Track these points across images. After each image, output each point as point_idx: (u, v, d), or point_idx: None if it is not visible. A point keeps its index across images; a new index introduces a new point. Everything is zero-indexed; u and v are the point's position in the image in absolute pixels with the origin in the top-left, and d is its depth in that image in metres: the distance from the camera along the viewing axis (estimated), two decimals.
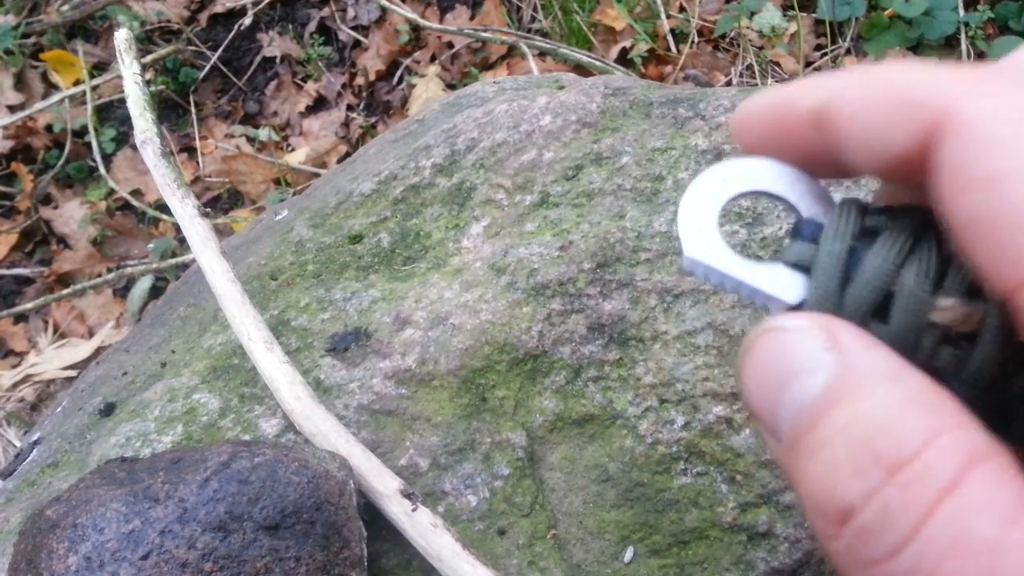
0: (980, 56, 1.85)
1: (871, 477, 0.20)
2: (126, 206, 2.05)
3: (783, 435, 0.23)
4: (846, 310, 0.25)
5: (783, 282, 0.26)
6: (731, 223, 0.73)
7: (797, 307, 0.26)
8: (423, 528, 0.60)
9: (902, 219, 0.25)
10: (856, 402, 0.22)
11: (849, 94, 0.25)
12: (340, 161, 2.00)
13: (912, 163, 0.23)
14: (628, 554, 0.63)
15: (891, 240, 0.25)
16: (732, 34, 1.97)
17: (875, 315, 0.24)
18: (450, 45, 2.14)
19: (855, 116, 0.24)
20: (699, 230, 0.27)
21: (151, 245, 1.94)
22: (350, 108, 2.14)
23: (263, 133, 2.11)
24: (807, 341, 0.23)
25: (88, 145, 2.09)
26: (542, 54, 1.97)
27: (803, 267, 0.26)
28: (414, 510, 0.61)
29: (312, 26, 2.23)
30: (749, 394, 0.25)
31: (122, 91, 0.93)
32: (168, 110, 2.18)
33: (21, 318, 1.90)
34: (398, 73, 2.15)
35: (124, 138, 2.12)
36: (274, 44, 2.21)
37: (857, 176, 0.27)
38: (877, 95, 0.24)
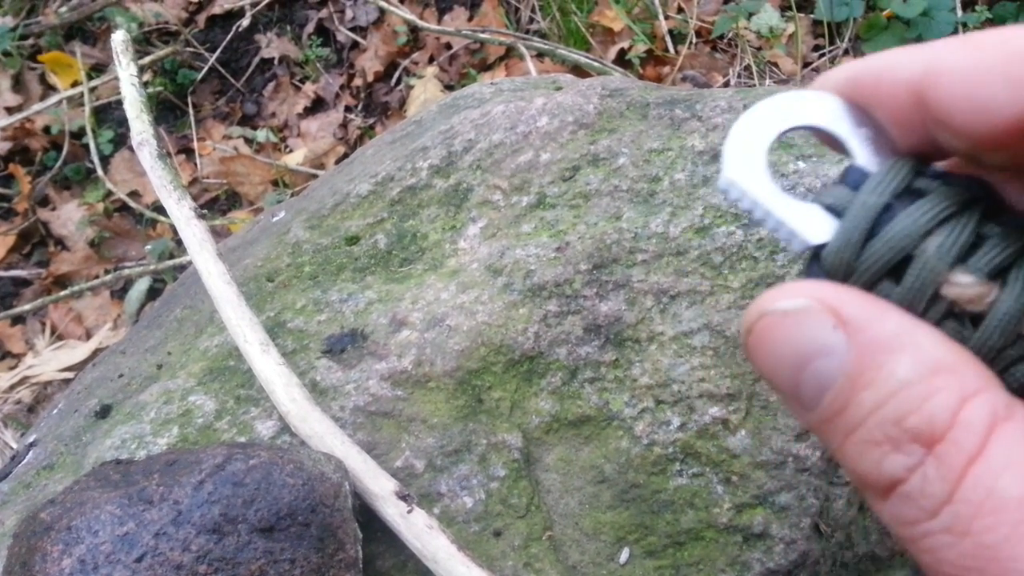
0: None
1: (912, 453, 0.21)
2: (124, 208, 2.04)
3: (811, 413, 0.24)
4: (861, 264, 0.24)
5: (813, 222, 0.26)
6: (728, 224, 0.73)
7: (817, 250, 0.26)
8: (418, 530, 0.60)
9: (954, 186, 0.25)
10: (879, 382, 0.22)
11: (956, 59, 0.23)
12: (338, 162, 2.00)
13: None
14: (624, 555, 0.63)
15: (930, 204, 0.24)
16: (730, 35, 1.97)
17: (890, 274, 0.24)
18: (448, 46, 2.14)
19: (965, 78, 0.23)
20: (744, 153, 0.27)
21: (149, 247, 1.94)
22: (348, 109, 2.14)
23: (261, 134, 2.11)
24: (812, 323, 0.23)
25: (86, 147, 2.09)
26: (540, 55, 1.97)
27: (837, 212, 0.26)
28: (409, 512, 0.61)
29: (310, 27, 2.23)
30: (765, 377, 0.25)
31: (119, 92, 0.93)
32: (166, 111, 2.18)
33: (18, 320, 1.90)
34: (396, 74, 2.15)
35: (122, 140, 2.12)
36: (272, 45, 2.21)
37: (950, 156, 0.26)
38: (993, 53, 0.23)
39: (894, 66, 0.25)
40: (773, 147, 0.28)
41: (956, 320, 0.23)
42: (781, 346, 0.24)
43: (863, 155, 0.26)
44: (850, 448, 0.23)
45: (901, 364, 0.22)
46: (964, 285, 0.23)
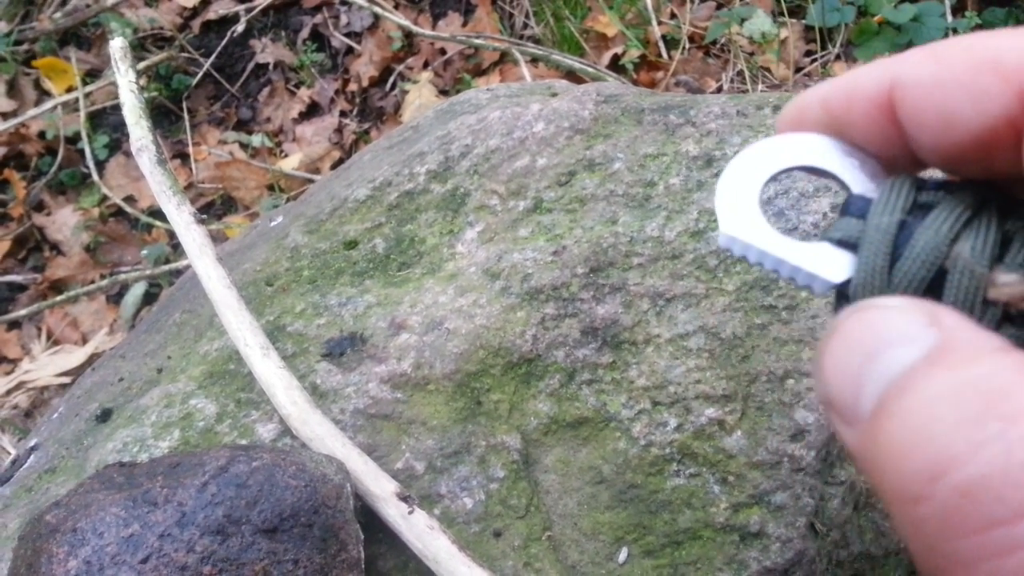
0: None
1: (985, 427, 0.18)
2: (119, 212, 2.05)
3: (863, 410, 0.21)
4: (895, 289, 0.23)
5: (828, 261, 0.24)
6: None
7: (843, 287, 0.24)
8: (419, 530, 0.60)
9: (960, 192, 0.24)
10: (963, 367, 0.19)
11: (922, 69, 0.23)
12: (334, 167, 2.00)
13: (997, 139, 0.22)
14: (622, 555, 0.64)
15: (946, 212, 0.23)
16: (723, 40, 1.99)
17: (928, 293, 0.23)
18: (443, 51, 2.15)
19: (929, 90, 0.23)
20: (738, 205, 0.26)
21: (144, 251, 1.94)
22: (343, 114, 2.15)
23: (256, 139, 2.12)
24: (903, 316, 0.21)
25: (81, 152, 2.09)
26: (534, 60, 1.98)
27: (850, 244, 0.24)
28: (410, 513, 0.61)
29: (305, 33, 2.24)
30: (827, 374, 0.22)
31: (115, 97, 0.94)
32: (161, 116, 2.18)
33: (14, 325, 1.90)
34: (391, 79, 2.16)
35: (117, 144, 2.12)
36: (267, 51, 2.22)
37: (926, 167, 0.25)
38: (956, 63, 0.22)
39: (863, 83, 0.25)
40: (765, 194, 0.27)
41: (1014, 324, 0.22)
42: (861, 330, 0.22)
43: (858, 183, 0.25)
44: (896, 431, 0.19)
45: (990, 359, 0.19)
46: (1012, 284, 0.21)
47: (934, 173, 0.26)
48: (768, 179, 0.26)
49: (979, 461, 0.17)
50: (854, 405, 0.21)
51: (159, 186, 0.84)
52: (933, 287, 0.23)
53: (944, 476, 0.18)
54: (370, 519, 0.63)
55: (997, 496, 0.17)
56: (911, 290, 0.23)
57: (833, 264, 0.24)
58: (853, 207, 0.25)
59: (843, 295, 0.25)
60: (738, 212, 0.26)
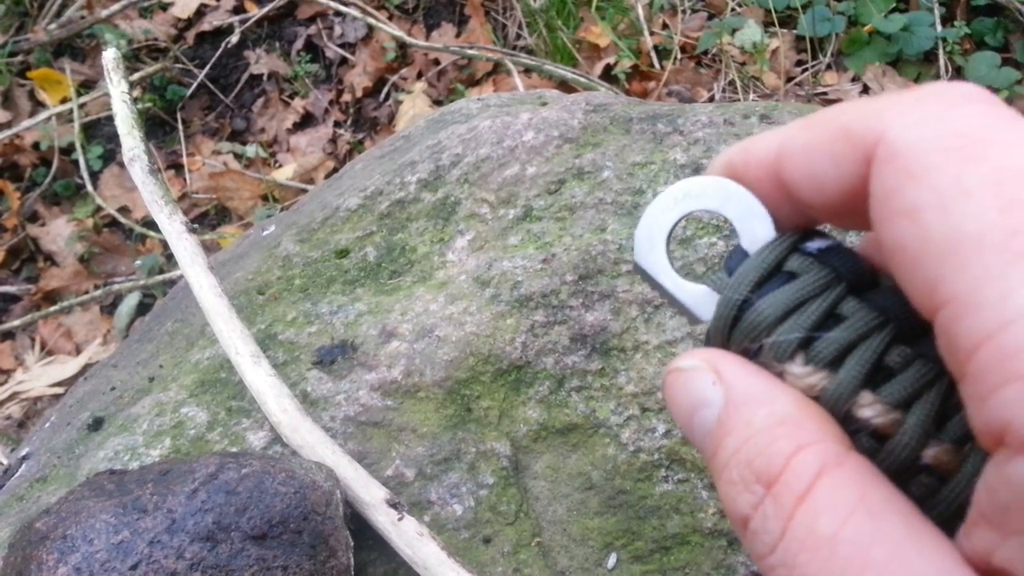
0: (958, 71, 1.88)
1: (755, 492, 0.24)
2: (113, 223, 2.05)
3: (703, 454, 0.27)
4: (732, 345, 0.27)
5: (703, 301, 0.29)
6: (709, 235, 0.74)
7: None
8: (409, 537, 0.61)
9: (824, 265, 0.27)
10: (739, 429, 0.25)
11: (798, 136, 0.26)
12: (328, 177, 2.01)
13: (857, 197, 0.25)
14: (611, 560, 0.64)
15: (785, 293, 0.26)
16: (714, 50, 2.00)
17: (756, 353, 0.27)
18: (436, 62, 2.16)
19: (803, 156, 0.26)
20: (650, 239, 0.30)
21: (138, 262, 1.94)
22: (337, 124, 2.16)
23: (250, 150, 2.12)
24: (700, 379, 0.27)
25: (75, 163, 2.10)
26: (527, 71, 1.99)
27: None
28: (400, 519, 0.62)
29: (299, 44, 2.25)
30: (674, 418, 0.29)
31: (109, 108, 0.94)
32: (155, 127, 2.19)
33: (8, 335, 1.90)
34: (385, 90, 2.17)
35: (111, 155, 2.13)
36: (261, 62, 2.23)
37: (820, 223, 0.28)
38: (821, 132, 0.26)
39: (757, 149, 0.28)
40: (675, 232, 0.30)
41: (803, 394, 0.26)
42: (678, 397, 0.28)
43: (747, 237, 0.29)
44: (720, 487, 0.26)
45: (757, 415, 0.25)
46: (797, 376, 0.25)
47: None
48: (678, 219, 0.30)
49: (755, 519, 0.24)
50: (694, 446, 0.28)
51: (151, 196, 0.85)
52: (758, 351, 0.27)
53: (746, 527, 0.24)
54: (360, 526, 0.63)
55: (761, 540, 0.24)
56: (741, 349, 0.27)
57: (707, 305, 0.29)
58: (731, 262, 0.29)
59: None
60: (648, 246, 0.30)
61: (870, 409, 0.24)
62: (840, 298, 0.26)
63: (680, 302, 0.30)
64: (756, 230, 0.28)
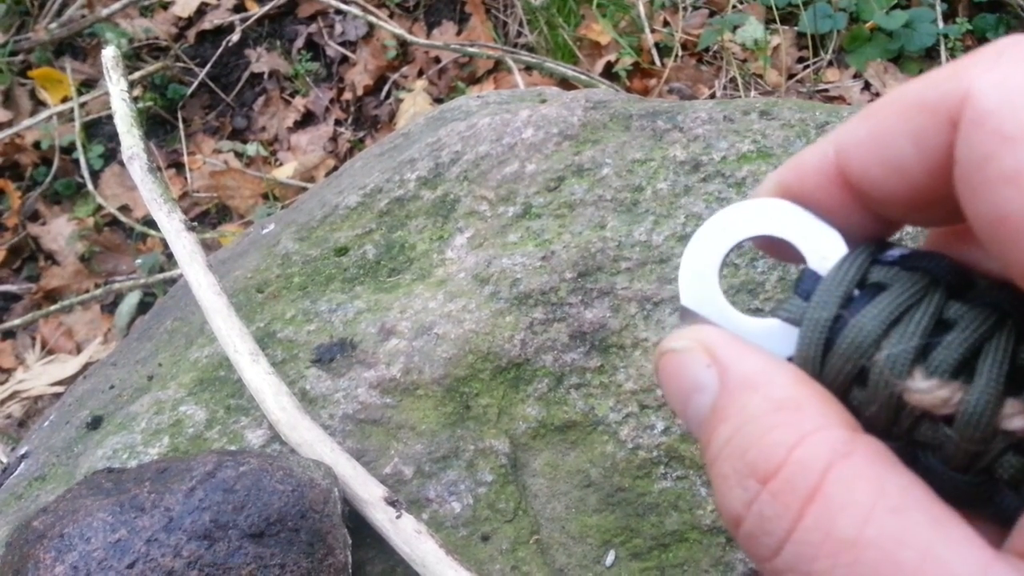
0: None
1: (749, 487, 0.22)
2: (114, 222, 2.05)
3: (699, 443, 0.25)
4: (824, 378, 0.24)
5: (776, 337, 0.25)
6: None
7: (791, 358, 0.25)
8: (407, 535, 0.61)
9: (912, 272, 0.24)
10: (733, 416, 0.23)
11: (859, 129, 0.23)
12: (328, 175, 2.01)
13: (944, 174, 0.22)
14: (610, 557, 0.64)
15: (879, 307, 0.23)
16: (715, 48, 2.00)
17: (856, 381, 0.23)
18: (437, 60, 2.16)
19: (872, 146, 0.23)
20: (698, 278, 0.27)
21: (139, 261, 1.94)
22: (338, 123, 2.15)
23: (251, 148, 2.12)
24: (693, 361, 0.25)
25: (76, 161, 2.10)
26: (528, 68, 1.99)
27: (797, 323, 0.25)
28: (398, 517, 0.61)
29: (300, 42, 2.25)
30: (669, 404, 0.26)
31: (110, 107, 0.94)
32: (156, 126, 2.19)
33: (9, 335, 1.90)
34: (386, 88, 2.16)
35: (112, 154, 2.13)
36: (262, 60, 2.22)
37: (899, 225, 0.25)
38: (888, 114, 0.23)
39: (810, 161, 0.25)
40: (726, 264, 0.27)
41: (931, 421, 0.22)
42: (671, 382, 0.25)
43: (815, 257, 0.26)
44: (711, 478, 0.23)
45: (751, 400, 0.23)
46: (923, 391, 0.22)
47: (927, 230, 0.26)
48: (728, 250, 0.27)
49: (749, 518, 0.22)
50: (691, 433, 0.25)
51: (150, 194, 0.85)
52: (860, 377, 0.23)
53: (739, 527, 0.22)
54: (358, 524, 0.63)
55: (760, 542, 0.22)
56: (838, 383, 0.24)
57: (780, 340, 0.25)
58: (803, 285, 0.25)
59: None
60: (697, 285, 0.27)
61: (1021, 419, 0.21)
62: (943, 302, 0.23)
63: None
64: (824, 249, 0.25)
